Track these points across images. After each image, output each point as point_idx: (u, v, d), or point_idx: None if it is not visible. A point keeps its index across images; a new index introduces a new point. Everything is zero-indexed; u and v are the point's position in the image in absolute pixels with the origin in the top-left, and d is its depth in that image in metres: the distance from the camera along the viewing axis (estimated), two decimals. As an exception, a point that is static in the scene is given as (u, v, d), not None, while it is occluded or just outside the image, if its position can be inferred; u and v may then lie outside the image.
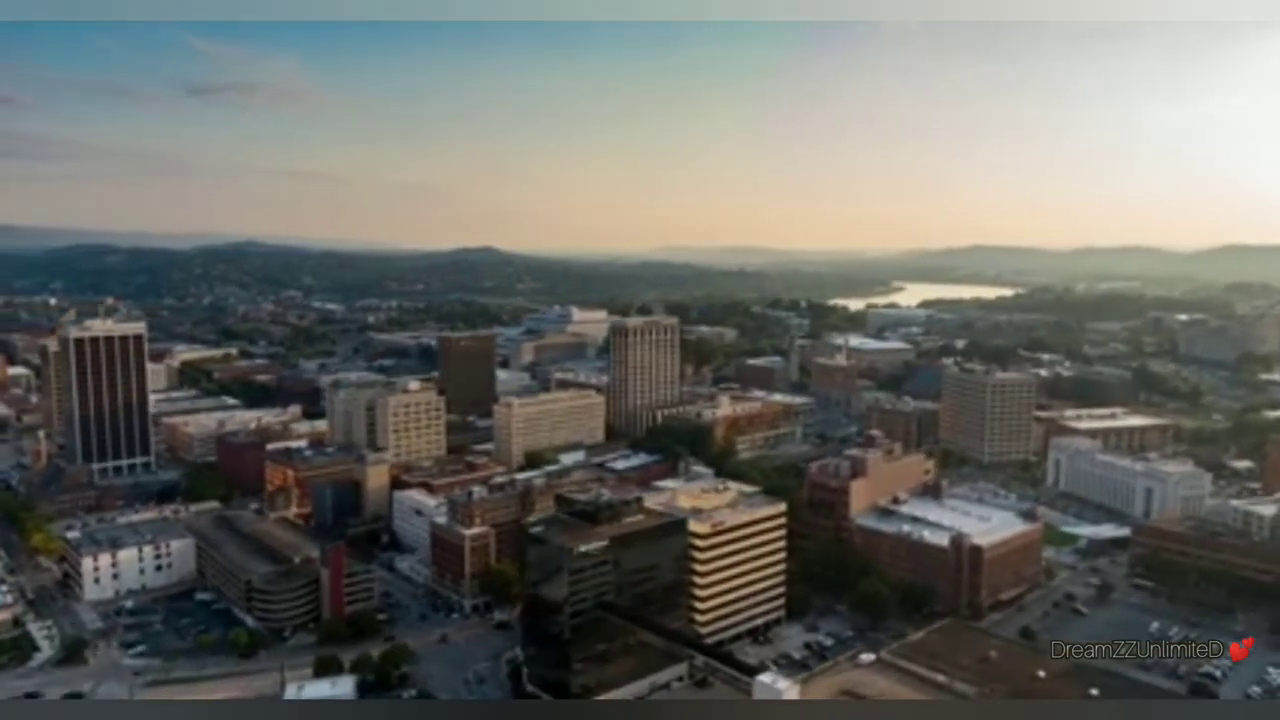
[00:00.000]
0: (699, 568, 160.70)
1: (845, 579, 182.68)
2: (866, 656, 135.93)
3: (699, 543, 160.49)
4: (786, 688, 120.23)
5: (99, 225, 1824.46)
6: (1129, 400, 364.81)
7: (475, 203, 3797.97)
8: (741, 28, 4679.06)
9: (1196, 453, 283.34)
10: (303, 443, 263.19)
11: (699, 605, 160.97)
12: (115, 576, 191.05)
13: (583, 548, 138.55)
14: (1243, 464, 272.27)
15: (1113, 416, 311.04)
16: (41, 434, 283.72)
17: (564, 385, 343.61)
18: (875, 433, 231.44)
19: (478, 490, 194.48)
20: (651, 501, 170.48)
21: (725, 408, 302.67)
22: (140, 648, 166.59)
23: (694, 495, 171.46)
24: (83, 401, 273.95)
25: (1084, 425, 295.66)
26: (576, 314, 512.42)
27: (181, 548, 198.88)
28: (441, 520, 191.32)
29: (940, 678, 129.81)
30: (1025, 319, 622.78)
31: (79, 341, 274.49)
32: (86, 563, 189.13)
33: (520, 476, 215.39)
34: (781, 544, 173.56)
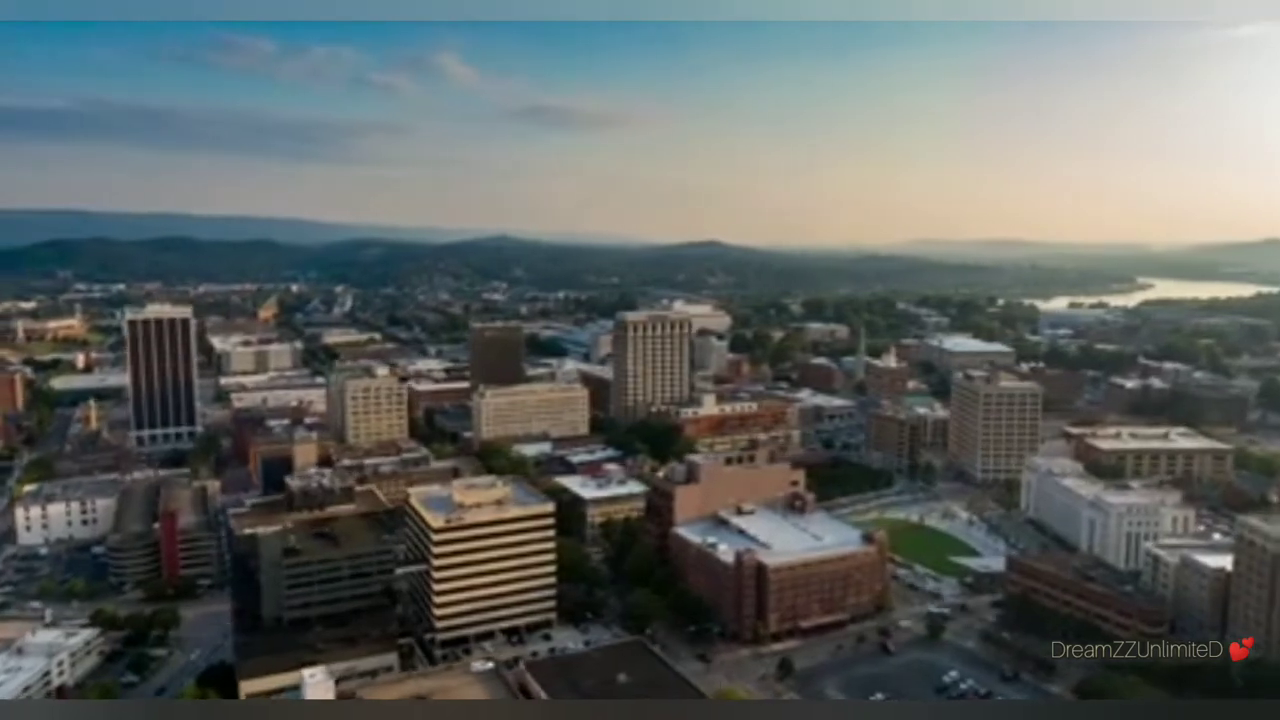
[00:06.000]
0: (436, 561, 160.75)
1: (649, 587, 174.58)
2: (480, 665, 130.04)
3: (435, 537, 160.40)
4: (317, 685, 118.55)
5: (391, 221, 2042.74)
6: (1234, 419, 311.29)
7: (727, 200, 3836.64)
8: (971, 28, 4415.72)
9: (1241, 486, 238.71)
10: (285, 420, 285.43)
11: (436, 599, 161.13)
12: (45, 527, 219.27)
13: (247, 531, 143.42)
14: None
15: (1164, 437, 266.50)
16: (92, 401, 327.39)
17: (585, 379, 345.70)
18: (761, 436, 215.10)
19: (314, 471, 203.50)
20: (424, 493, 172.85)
21: (709, 407, 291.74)
22: (9, 589, 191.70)
23: (464, 490, 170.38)
24: (135, 375, 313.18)
25: (1109, 445, 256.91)
26: (678, 306, 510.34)
27: (105, 506, 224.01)
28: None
29: (544, 694, 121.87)
30: (1212, 324, 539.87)
31: (132, 323, 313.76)
32: (19, 513, 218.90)
33: (369, 461, 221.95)
34: (549, 544, 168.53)
